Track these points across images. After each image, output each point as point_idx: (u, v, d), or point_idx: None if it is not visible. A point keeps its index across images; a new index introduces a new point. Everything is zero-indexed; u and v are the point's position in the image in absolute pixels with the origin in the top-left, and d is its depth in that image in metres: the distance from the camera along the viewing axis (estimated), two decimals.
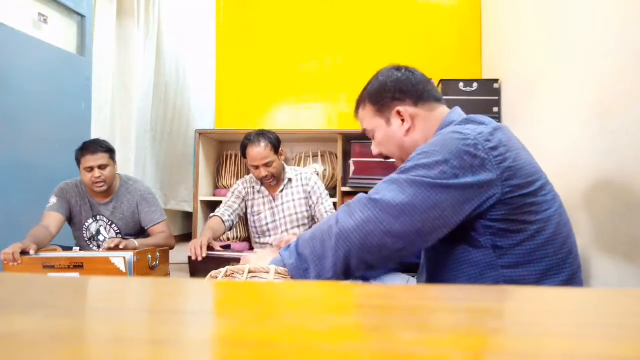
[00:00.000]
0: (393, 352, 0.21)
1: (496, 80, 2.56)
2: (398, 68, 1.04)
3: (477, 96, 2.54)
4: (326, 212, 2.11)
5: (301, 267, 0.83)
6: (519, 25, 2.31)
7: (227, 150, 3.26)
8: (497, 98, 2.54)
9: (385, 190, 0.80)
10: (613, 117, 1.32)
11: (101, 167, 1.95)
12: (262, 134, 2.07)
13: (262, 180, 2.10)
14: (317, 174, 2.28)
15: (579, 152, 1.52)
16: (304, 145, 3.16)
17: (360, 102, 1.07)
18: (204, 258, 1.77)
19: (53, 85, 2.36)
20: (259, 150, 2.02)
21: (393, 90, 0.99)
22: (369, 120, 1.05)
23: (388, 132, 1.01)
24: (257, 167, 2.05)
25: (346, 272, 0.81)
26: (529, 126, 2.04)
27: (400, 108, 0.98)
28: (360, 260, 0.79)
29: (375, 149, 1.07)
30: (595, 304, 0.33)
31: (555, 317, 0.29)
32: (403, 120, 0.99)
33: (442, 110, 1.00)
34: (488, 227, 0.82)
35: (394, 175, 0.83)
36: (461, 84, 2.55)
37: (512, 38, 2.44)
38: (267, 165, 2.04)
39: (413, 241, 0.78)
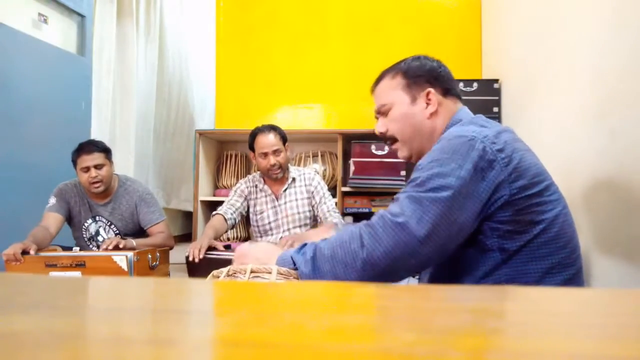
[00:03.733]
0: (393, 352, 0.21)
1: (496, 80, 2.56)
2: (431, 59, 1.05)
3: (477, 96, 2.54)
4: (329, 211, 2.12)
5: (316, 278, 0.82)
6: (519, 25, 2.30)
7: (227, 150, 3.25)
8: (497, 98, 2.54)
9: (407, 209, 0.79)
10: (613, 116, 1.32)
11: (97, 167, 1.94)
12: (272, 126, 2.14)
13: (268, 171, 2.10)
14: (317, 174, 2.28)
15: (579, 152, 1.52)
16: (304, 145, 3.16)
17: (388, 72, 1.05)
18: (201, 260, 1.77)
19: (53, 85, 2.36)
20: (270, 138, 2.08)
21: (430, 73, 1.01)
22: (392, 93, 1.02)
23: (409, 110, 1.00)
24: (265, 155, 2.07)
25: None
26: (529, 126, 2.04)
27: (432, 90, 0.99)
28: (385, 281, 0.80)
29: (381, 127, 1.05)
30: (595, 304, 0.33)
31: (555, 317, 0.29)
32: (427, 105, 0.99)
33: (459, 107, 1.02)
34: (495, 229, 0.83)
35: (412, 191, 0.81)
36: (461, 84, 2.55)
37: (512, 38, 2.44)
38: (275, 153, 2.07)
39: (436, 257, 0.80)
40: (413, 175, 0.85)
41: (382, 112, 1.05)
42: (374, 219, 0.82)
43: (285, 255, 0.88)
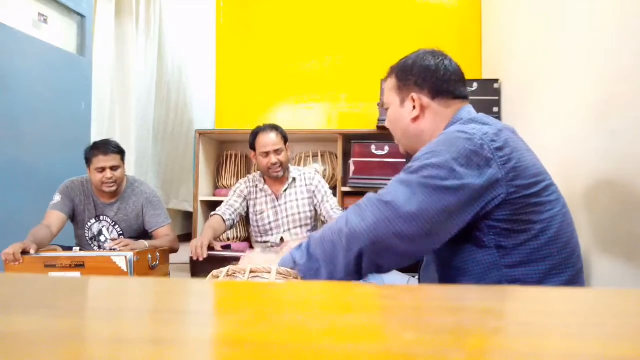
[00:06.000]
0: (393, 352, 0.21)
1: (496, 80, 2.56)
2: (435, 55, 1.02)
3: (477, 96, 2.54)
4: (332, 209, 2.11)
5: (312, 267, 0.82)
6: (519, 25, 2.30)
7: (227, 150, 3.25)
8: (497, 98, 2.54)
9: (395, 191, 0.80)
10: (613, 116, 1.32)
11: (113, 168, 1.95)
12: (273, 125, 2.15)
13: (269, 170, 2.10)
14: (318, 174, 2.27)
15: (579, 152, 1.52)
16: (304, 145, 3.16)
17: (390, 72, 1.07)
18: (205, 258, 1.77)
19: (53, 85, 2.35)
20: (271, 137, 2.09)
21: (417, 75, 1.00)
22: (387, 93, 1.06)
23: (398, 112, 1.03)
24: (267, 154, 2.08)
25: (358, 272, 0.81)
26: (529, 126, 2.04)
27: (415, 95, 0.99)
28: (371, 261, 0.79)
29: (386, 123, 1.09)
30: (595, 304, 0.33)
31: (555, 317, 0.29)
32: (414, 108, 1.00)
33: (459, 107, 0.99)
34: (492, 227, 0.82)
35: (403, 176, 0.82)
36: None
37: (512, 38, 2.44)
38: (277, 152, 2.08)
39: (423, 244, 0.79)
40: (408, 165, 0.85)
41: (384, 109, 1.09)
42: (361, 200, 0.83)
43: (286, 255, 0.88)
